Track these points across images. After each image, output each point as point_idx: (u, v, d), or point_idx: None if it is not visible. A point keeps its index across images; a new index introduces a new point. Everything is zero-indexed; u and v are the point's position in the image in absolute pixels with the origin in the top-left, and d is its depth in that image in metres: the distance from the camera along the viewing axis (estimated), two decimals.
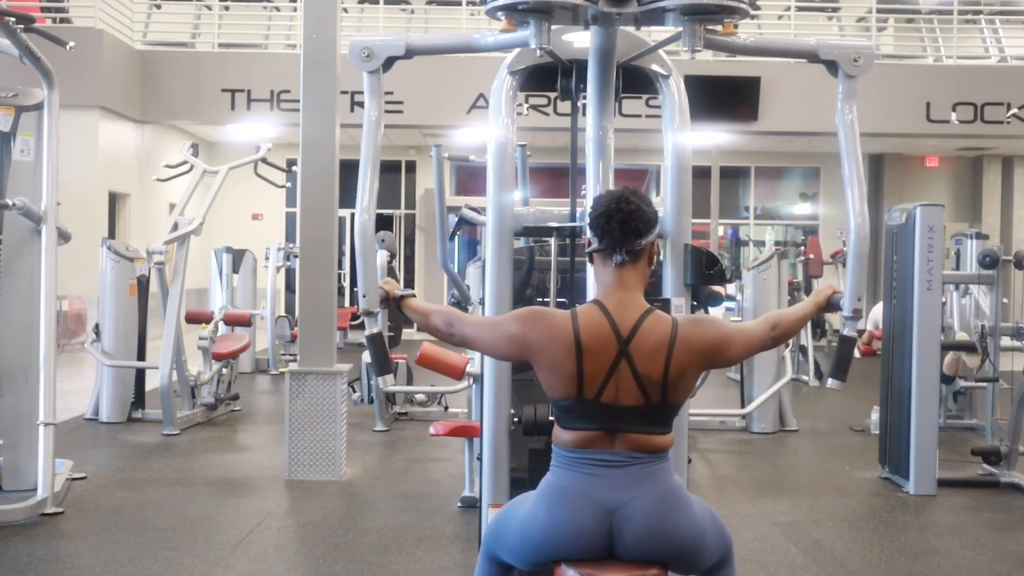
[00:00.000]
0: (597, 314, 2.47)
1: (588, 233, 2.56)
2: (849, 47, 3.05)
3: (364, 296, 2.90)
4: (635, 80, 3.36)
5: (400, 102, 13.57)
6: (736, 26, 2.86)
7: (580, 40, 3.27)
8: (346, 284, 16.81)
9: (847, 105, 3.06)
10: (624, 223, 2.47)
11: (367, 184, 3.06)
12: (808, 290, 13.87)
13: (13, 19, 5.13)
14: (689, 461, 3.46)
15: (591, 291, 2.99)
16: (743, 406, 8.26)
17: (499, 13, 2.75)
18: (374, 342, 3.00)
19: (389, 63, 3.16)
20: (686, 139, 3.34)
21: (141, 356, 8.13)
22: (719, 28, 2.85)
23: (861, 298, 2.97)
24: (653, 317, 2.47)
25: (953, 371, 7.95)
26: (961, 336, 7.99)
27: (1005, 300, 7.22)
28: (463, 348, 3.13)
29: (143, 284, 8.16)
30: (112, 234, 13.37)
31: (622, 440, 2.45)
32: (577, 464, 2.46)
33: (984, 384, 7.38)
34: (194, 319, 9.30)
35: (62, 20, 13.48)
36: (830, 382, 3.04)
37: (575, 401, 2.45)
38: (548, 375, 2.48)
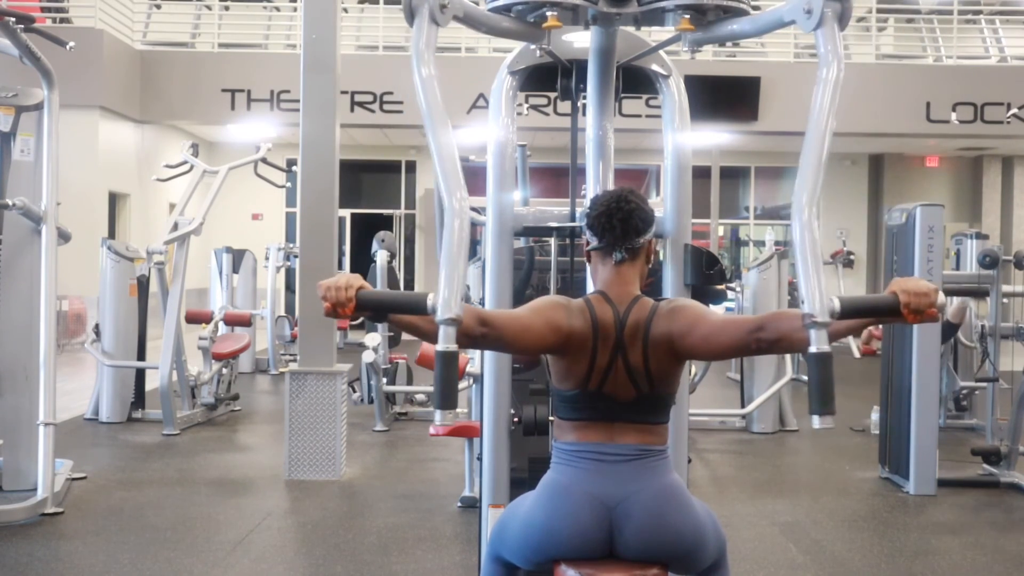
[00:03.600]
0: (604, 302, 2.48)
1: (587, 233, 2.56)
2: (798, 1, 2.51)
3: (465, 298, 2.32)
4: (635, 80, 3.36)
5: (400, 102, 13.57)
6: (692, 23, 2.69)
7: (580, 40, 3.27)
8: None
9: (826, 58, 2.51)
10: (625, 221, 2.48)
11: (450, 158, 2.39)
12: None
13: (13, 19, 5.13)
14: (689, 461, 3.46)
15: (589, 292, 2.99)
16: (743, 406, 8.26)
17: (519, 10, 2.72)
18: (448, 362, 2.22)
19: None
20: (686, 139, 3.34)
21: (141, 356, 8.13)
22: (689, 27, 2.70)
23: (805, 302, 2.19)
24: (638, 305, 2.47)
25: (959, 319, 7.83)
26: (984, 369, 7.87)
27: (1005, 300, 7.21)
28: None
29: (143, 284, 8.16)
30: (112, 234, 13.37)
31: (621, 432, 2.46)
32: (577, 459, 2.47)
33: (984, 384, 7.38)
34: (194, 319, 9.30)
35: (62, 20, 13.48)
36: (815, 420, 2.17)
37: (580, 392, 2.46)
38: (570, 364, 2.45)
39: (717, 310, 2.60)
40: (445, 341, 2.21)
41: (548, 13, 2.70)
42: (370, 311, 2.28)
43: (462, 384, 7.34)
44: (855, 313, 2.21)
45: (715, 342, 2.37)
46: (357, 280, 2.24)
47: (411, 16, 2.43)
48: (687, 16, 2.67)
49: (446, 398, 2.23)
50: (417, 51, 2.40)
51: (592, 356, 2.43)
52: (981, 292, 7.11)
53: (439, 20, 2.43)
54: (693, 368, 7.64)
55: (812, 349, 2.17)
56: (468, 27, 2.73)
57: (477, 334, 2.32)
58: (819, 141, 2.43)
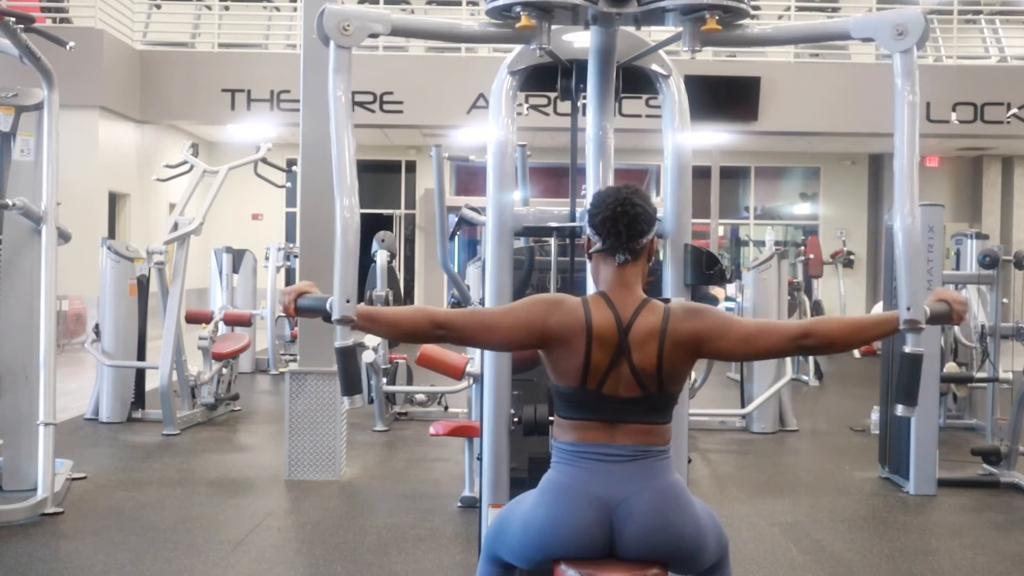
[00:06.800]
0: (603, 305, 2.48)
1: (588, 231, 2.55)
2: (885, 19, 2.56)
3: (348, 301, 2.54)
4: (635, 80, 3.36)
5: (400, 102, 13.58)
6: (719, 23, 2.70)
7: (580, 40, 3.27)
8: None
9: (905, 83, 2.55)
10: (630, 226, 2.47)
11: (346, 176, 2.68)
12: (808, 290, 13.88)
13: (13, 19, 5.13)
14: (689, 461, 3.46)
15: (590, 291, 2.99)
16: (743, 406, 8.25)
17: (517, 11, 2.72)
18: (345, 356, 2.56)
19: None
20: (686, 139, 3.34)
21: (141, 356, 8.13)
22: (715, 27, 2.75)
23: (910, 307, 2.49)
24: (648, 308, 2.48)
25: (944, 391, 7.93)
26: (950, 367, 7.89)
27: (1005, 300, 7.21)
28: (461, 347, 3.06)
29: (143, 284, 8.16)
30: (112, 234, 13.37)
31: (622, 433, 2.45)
32: (577, 459, 2.46)
33: (984, 384, 7.38)
34: (194, 319, 9.30)
35: (62, 20, 13.49)
36: (899, 409, 2.59)
37: (578, 391, 2.46)
38: (561, 362, 2.46)
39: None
40: (340, 338, 2.54)
41: (521, 13, 2.68)
42: (307, 314, 2.58)
43: (462, 384, 7.35)
44: (933, 320, 2.55)
45: (754, 345, 2.47)
46: (304, 287, 2.59)
47: (326, 41, 2.64)
48: (715, 16, 2.65)
49: (348, 386, 2.59)
50: (331, 75, 2.64)
51: (586, 355, 2.42)
52: (964, 379, 7.53)
53: (344, 42, 2.62)
54: (693, 374, 7.63)
55: (907, 349, 2.52)
56: (415, 39, 2.80)
57: (433, 334, 2.48)
58: (910, 156, 2.58)
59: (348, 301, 2.53)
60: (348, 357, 2.57)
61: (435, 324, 2.46)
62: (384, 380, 7.97)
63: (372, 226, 15.36)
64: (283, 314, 2.64)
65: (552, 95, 7.15)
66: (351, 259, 2.65)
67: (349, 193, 2.66)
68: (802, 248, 16.18)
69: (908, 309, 2.50)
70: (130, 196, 14.06)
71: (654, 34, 4.31)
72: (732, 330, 2.46)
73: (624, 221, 2.47)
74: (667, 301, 2.56)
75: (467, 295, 6.37)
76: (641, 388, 2.44)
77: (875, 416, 7.40)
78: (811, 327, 2.46)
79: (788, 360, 8.50)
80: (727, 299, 11.04)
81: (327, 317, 2.55)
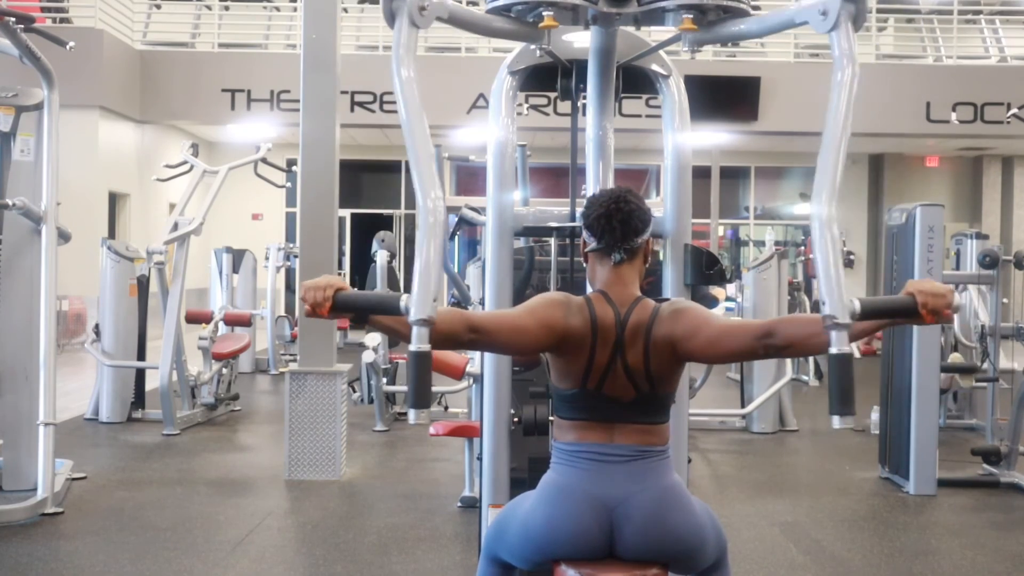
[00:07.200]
0: (604, 302, 2.48)
1: (584, 234, 2.55)
2: (813, 3, 2.43)
3: (435, 300, 2.23)
4: (635, 80, 3.36)
5: None
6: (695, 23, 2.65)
7: (580, 40, 3.27)
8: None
9: (839, 63, 2.39)
10: (625, 222, 2.47)
11: (427, 166, 2.35)
12: (808, 290, 13.89)
13: (13, 19, 5.13)
14: (689, 461, 3.46)
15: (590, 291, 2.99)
16: (743, 406, 8.25)
17: (518, 9, 2.71)
18: (422, 362, 2.24)
19: None
20: (686, 139, 3.34)
21: (141, 356, 8.13)
22: (691, 27, 2.68)
23: (826, 303, 2.15)
24: (640, 305, 2.47)
25: (946, 386, 7.94)
26: (955, 357, 7.94)
27: (1005, 300, 7.22)
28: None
29: (143, 284, 8.17)
30: (112, 234, 13.38)
31: (620, 433, 2.45)
32: (576, 460, 2.46)
33: (984, 384, 7.38)
34: (194, 319, 9.31)
35: (62, 20, 13.49)
36: (835, 420, 2.19)
37: (579, 391, 2.46)
38: (568, 363, 2.45)
39: (717, 311, 2.60)
40: (418, 341, 2.22)
41: (545, 13, 2.67)
42: (348, 312, 2.28)
43: (462, 384, 7.35)
44: (875, 314, 2.20)
45: (721, 347, 2.38)
46: (337, 282, 2.27)
47: (391, 18, 2.45)
48: (689, 16, 2.63)
49: (421, 397, 2.26)
50: (397, 54, 2.41)
51: (590, 355, 2.42)
52: (968, 369, 7.49)
53: (418, 22, 2.44)
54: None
55: (832, 350, 2.15)
56: (457, 28, 2.73)
57: (465, 339, 2.34)
58: (836, 142, 2.40)
59: (435, 300, 2.22)
60: (425, 363, 2.25)
61: (469, 328, 2.34)
62: (384, 380, 7.97)
63: (372, 226, 15.37)
64: (314, 313, 2.22)
65: (552, 95, 7.14)
66: (440, 254, 2.31)
67: (434, 183, 2.34)
68: (802, 248, 16.20)
69: (824, 304, 2.16)
70: (130, 196, 14.06)
71: (654, 34, 4.32)
72: (702, 332, 2.38)
73: (618, 218, 2.47)
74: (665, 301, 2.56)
75: (467, 295, 6.38)
76: (635, 388, 2.44)
77: (875, 416, 7.40)
78: (774, 325, 2.33)
79: (788, 360, 8.49)
80: (727, 299, 11.04)
81: (362, 318, 2.32)
